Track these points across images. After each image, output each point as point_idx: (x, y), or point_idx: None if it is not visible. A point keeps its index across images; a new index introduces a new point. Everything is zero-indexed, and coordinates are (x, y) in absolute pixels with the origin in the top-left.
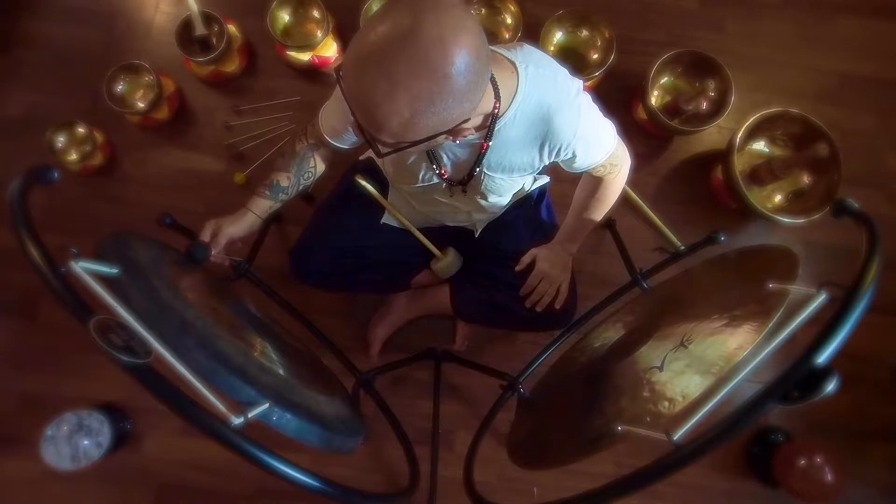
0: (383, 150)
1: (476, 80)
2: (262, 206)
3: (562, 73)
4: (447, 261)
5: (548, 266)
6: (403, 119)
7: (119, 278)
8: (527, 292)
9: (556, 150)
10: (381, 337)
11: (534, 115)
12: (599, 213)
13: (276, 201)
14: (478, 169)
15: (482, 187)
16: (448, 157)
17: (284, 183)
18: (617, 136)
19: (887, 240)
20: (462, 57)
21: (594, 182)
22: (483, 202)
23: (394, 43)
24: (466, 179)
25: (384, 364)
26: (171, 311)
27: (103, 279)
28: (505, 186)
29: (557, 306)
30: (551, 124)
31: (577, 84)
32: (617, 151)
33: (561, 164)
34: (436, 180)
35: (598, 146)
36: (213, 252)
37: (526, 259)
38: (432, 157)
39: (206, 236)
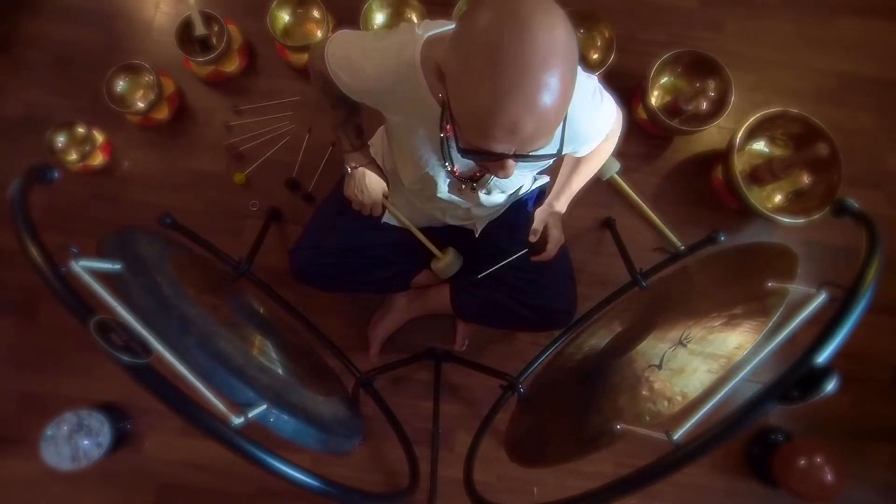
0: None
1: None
2: (364, 156)
3: (580, 72)
4: (447, 261)
5: (558, 232)
6: (564, 109)
7: (122, 274)
8: (547, 259)
9: (572, 147)
10: (381, 337)
11: None
12: (590, 172)
13: (363, 140)
14: None
15: (489, 183)
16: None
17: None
18: (617, 109)
19: (887, 240)
20: (566, 26)
21: None
22: (484, 197)
23: (520, 51)
24: (478, 177)
25: (384, 364)
26: (173, 308)
27: (105, 276)
28: (511, 182)
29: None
30: (571, 122)
31: (594, 81)
32: (616, 123)
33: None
34: (443, 175)
35: (603, 133)
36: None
37: (539, 227)
38: (446, 155)
39: (374, 210)
